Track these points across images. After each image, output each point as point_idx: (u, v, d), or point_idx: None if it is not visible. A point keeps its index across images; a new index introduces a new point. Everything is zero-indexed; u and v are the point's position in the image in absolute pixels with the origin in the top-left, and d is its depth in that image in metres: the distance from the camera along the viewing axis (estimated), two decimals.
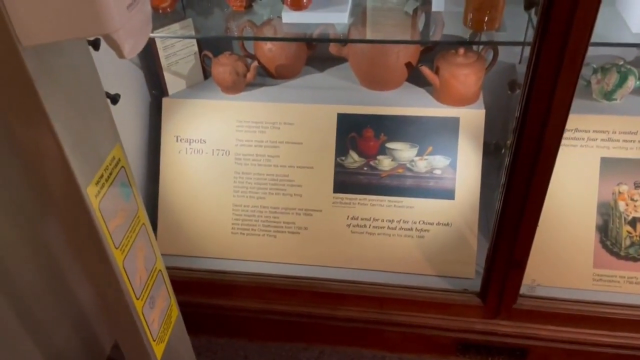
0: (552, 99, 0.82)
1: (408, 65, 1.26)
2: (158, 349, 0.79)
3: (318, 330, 1.28)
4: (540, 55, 0.79)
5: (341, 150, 1.27)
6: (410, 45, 1.24)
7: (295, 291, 1.25)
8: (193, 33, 1.28)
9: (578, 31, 0.76)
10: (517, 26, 1.10)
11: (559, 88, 0.81)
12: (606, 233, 1.17)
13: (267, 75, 1.37)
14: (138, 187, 1.32)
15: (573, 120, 1.18)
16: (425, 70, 1.22)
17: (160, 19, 1.25)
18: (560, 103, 0.82)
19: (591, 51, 1.30)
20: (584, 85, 1.22)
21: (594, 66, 1.19)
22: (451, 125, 1.23)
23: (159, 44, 1.27)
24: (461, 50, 1.19)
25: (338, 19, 1.11)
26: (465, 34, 1.18)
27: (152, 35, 1.24)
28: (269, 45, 1.31)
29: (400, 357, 1.26)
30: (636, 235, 1.15)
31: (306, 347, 1.30)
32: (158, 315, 0.79)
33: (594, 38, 1.06)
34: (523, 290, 1.14)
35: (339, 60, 1.37)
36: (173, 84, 1.33)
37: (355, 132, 1.26)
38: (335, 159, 1.27)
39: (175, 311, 0.89)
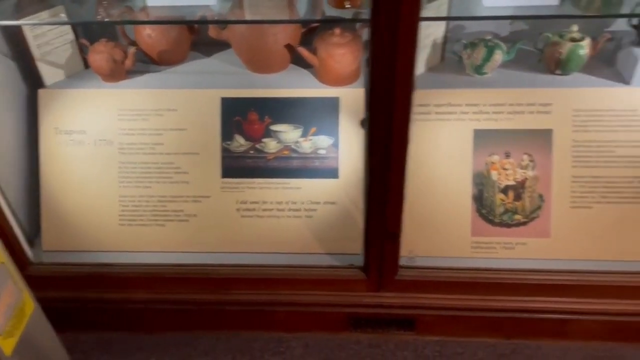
0: (394, 71, 0.84)
1: (289, 47, 1.26)
2: (6, 344, 0.76)
3: (212, 316, 1.27)
4: (376, 28, 0.81)
5: (227, 134, 1.26)
6: (288, 27, 1.24)
7: (186, 279, 1.24)
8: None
9: (407, 5, 0.78)
10: None
11: (399, 60, 0.83)
12: (481, 202, 1.22)
13: (151, 61, 1.34)
14: (18, 183, 1.27)
15: (446, 95, 1.22)
16: (303, 51, 1.22)
17: (30, 5, 1.19)
18: (403, 74, 0.85)
19: (468, 27, 1.37)
20: (457, 61, 1.26)
21: (464, 42, 1.23)
22: (332, 105, 1.24)
23: (29, 33, 1.21)
24: (337, 30, 1.21)
25: (206, 0, 1.10)
26: (348, 14, 1.20)
27: (19, 23, 1.19)
28: (147, 30, 1.28)
29: (296, 337, 1.28)
30: (508, 202, 1.21)
31: (202, 334, 1.29)
32: (3, 310, 0.76)
33: (451, 12, 1.11)
34: (403, 261, 1.18)
35: (227, 44, 1.36)
36: (50, 74, 1.28)
37: (239, 116, 1.26)
38: (222, 144, 1.26)
39: (30, 305, 0.86)
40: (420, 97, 1.21)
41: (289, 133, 1.25)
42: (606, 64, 1.24)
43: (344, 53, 1.20)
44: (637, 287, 1.15)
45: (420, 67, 1.26)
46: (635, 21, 1.17)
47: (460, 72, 1.26)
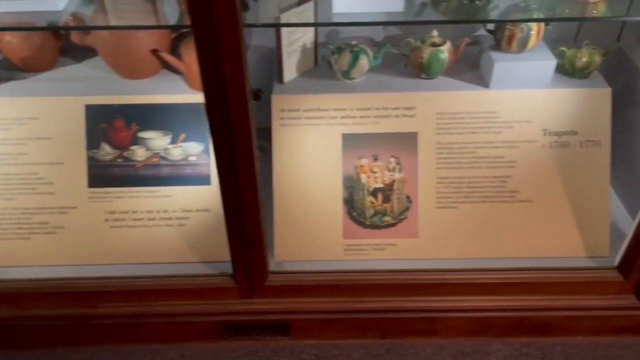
0: (224, 78, 0.84)
1: (156, 52, 1.23)
2: None
3: (85, 331, 1.23)
4: (197, 36, 0.80)
5: (93, 143, 1.22)
6: (154, 32, 1.22)
7: (56, 294, 1.19)
8: None
9: (223, 13, 0.77)
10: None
11: (227, 67, 0.83)
12: (352, 205, 1.23)
13: (15, 68, 1.28)
14: None
15: (314, 100, 1.23)
16: (167, 57, 1.21)
17: None
18: (234, 81, 0.84)
19: (347, 33, 1.38)
20: (328, 67, 1.27)
21: (331, 47, 1.24)
22: (201, 111, 1.22)
23: None
24: None
25: (51, 6, 1.06)
26: None
27: None
28: (7, 37, 1.22)
29: (173, 347, 1.25)
30: (378, 205, 1.23)
31: (75, 349, 1.24)
32: None
33: (298, 19, 1.11)
34: (274, 267, 1.18)
35: None
36: None
37: (106, 124, 1.22)
38: (87, 153, 1.22)
39: None
40: (289, 101, 1.22)
41: (157, 140, 1.22)
42: (471, 68, 1.28)
43: None
44: (499, 283, 1.19)
45: (292, 72, 1.26)
46: (491, 26, 1.21)
47: (332, 77, 1.27)
